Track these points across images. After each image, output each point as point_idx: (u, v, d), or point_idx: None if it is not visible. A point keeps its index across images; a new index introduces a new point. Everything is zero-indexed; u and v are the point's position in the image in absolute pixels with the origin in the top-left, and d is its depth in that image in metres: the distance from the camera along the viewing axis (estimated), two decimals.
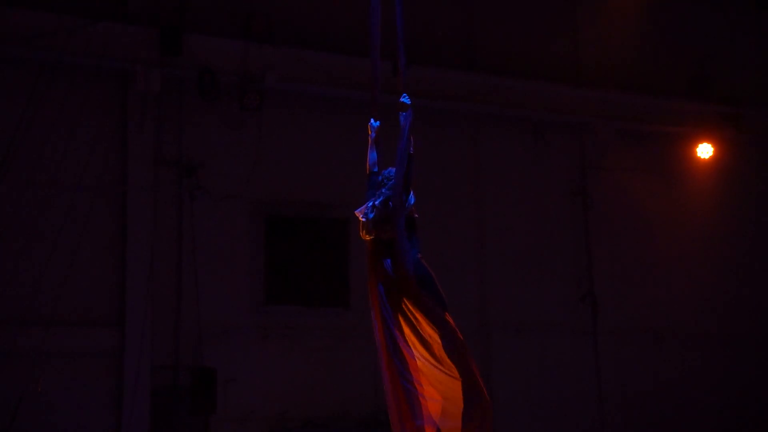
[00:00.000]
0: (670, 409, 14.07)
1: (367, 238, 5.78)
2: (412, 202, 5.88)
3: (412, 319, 5.50)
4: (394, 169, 5.97)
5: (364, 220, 5.78)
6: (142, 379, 11.25)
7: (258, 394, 11.92)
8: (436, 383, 5.45)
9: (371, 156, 6.23)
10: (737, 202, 14.96)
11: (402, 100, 6.04)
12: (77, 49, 10.96)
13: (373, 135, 6.27)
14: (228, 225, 12.02)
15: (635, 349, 14.04)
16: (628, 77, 14.36)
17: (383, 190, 5.90)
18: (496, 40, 13.68)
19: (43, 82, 10.76)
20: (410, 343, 5.49)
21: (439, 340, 5.46)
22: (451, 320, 5.55)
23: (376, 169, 6.17)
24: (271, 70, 11.88)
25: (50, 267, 10.83)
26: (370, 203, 5.84)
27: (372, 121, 6.24)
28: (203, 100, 11.67)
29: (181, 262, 11.69)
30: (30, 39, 10.78)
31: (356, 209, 5.86)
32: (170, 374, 11.54)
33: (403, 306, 5.53)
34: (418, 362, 5.47)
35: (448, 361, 5.44)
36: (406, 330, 5.50)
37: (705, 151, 14.39)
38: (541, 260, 13.73)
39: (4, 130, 10.77)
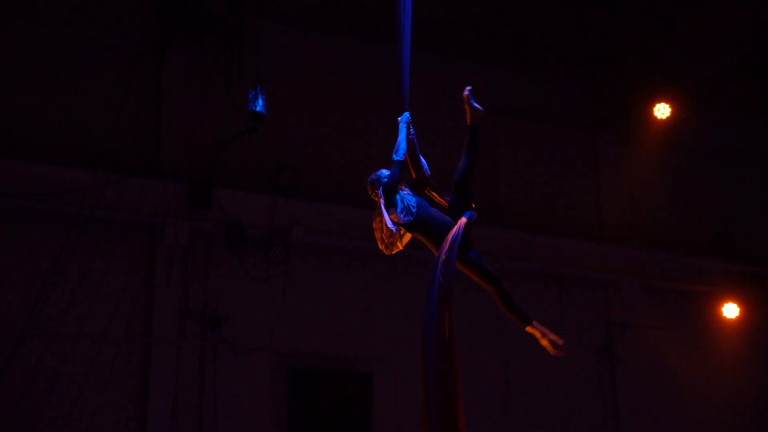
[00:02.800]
0: None
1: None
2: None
3: None
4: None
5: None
6: None
7: None
8: None
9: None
10: (764, 362, 14.77)
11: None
12: (108, 204, 11.24)
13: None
14: (250, 379, 11.95)
15: None
16: (652, 235, 14.45)
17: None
18: (521, 196, 13.85)
19: (73, 237, 11.00)
20: None
21: None
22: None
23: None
24: (297, 224, 12.06)
25: (73, 419, 10.82)
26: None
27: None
28: (230, 252, 11.84)
29: (202, 415, 11.59)
30: (62, 194, 11.04)
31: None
32: None
33: None
34: None
35: None
36: None
37: (731, 311, 14.33)
38: (566, 418, 13.50)
39: (33, 282, 10.93)
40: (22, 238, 11.25)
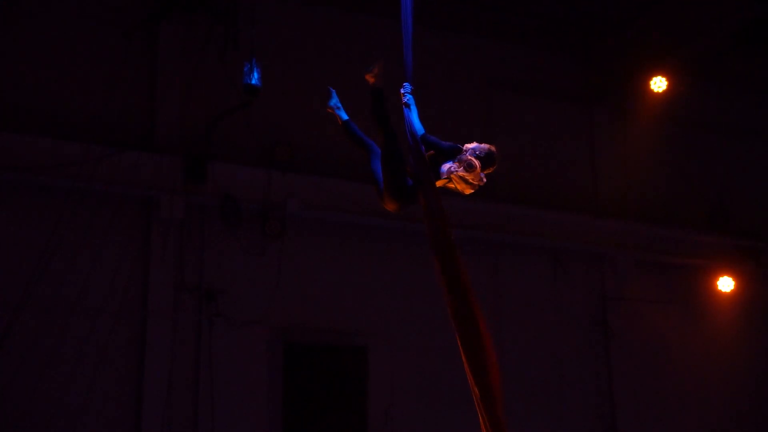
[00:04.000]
0: None
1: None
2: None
3: None
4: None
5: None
6: None
7: None
8: None
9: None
10: (759, 336, 14.83)
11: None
12: (103, 177, 11.22)
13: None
14: (246, 352, 11.98)
15: None
16: (647, 208, 14.46)
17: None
18: (515, 170, 13.84)
19: (68, 210, 10.99)
20: None
21: None
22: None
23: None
24: (292, 197, 12.06)
25: (69, 392, 10.87)
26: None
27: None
28: (225, 226, 11.84)
29: (198, 389, 11.62)
30: (56, 167, 11.02)
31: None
32: None
33: None
34: None
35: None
36: None
37: (726, 284, 14.37)
38: (561, 391, 13.57)
39: (28, 256, 10.93)
40: (16, 212, 11.24)
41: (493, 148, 6.41)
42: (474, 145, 6.41)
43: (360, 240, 12.67)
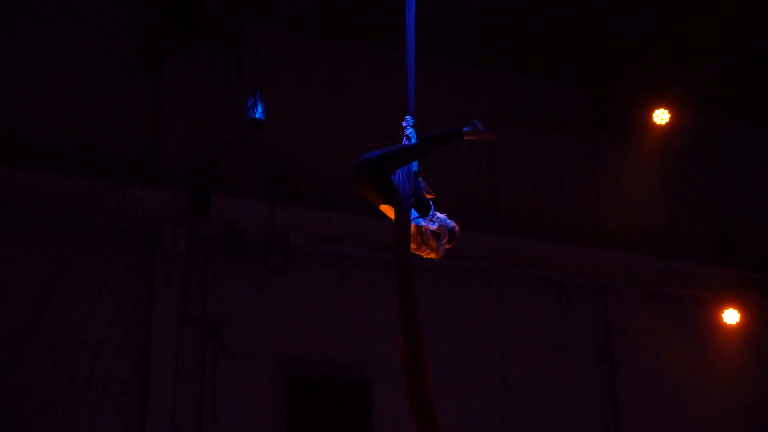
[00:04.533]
0: None
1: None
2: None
3: None
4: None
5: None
6: None
7: None
8: None
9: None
10: (765, 368, 14.76)
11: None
12: (107, 211, 11.26)
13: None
14: (250, 385, 11.93)
15: None
16: (652, 240, 14.44)
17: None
18: (520, 201, 13.85)
19: (71, 244, 11.00)
20: None
21: None
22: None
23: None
24: (296, 230, 12.05)
25: (72, 425, 10.85)
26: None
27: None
28: (229, 259, 11.83)
29: (201, 422, 11.56)
30: (60, 201, 11.03)
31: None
32: None
33: None
34: None
35: None
36: None
37: (731, 316, 14.31)
38: (567, 423, 13.48)
39: (31, 290, 10.92)
40: (21, 245, 11.24)
41: (457, 228, 6.35)
42: (444, 216, 6.35)
43: (364, 272, 12.65)
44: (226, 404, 11.66)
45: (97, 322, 11.24)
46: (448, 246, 6.30)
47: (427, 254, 6.24)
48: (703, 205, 15.10)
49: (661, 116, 13.64)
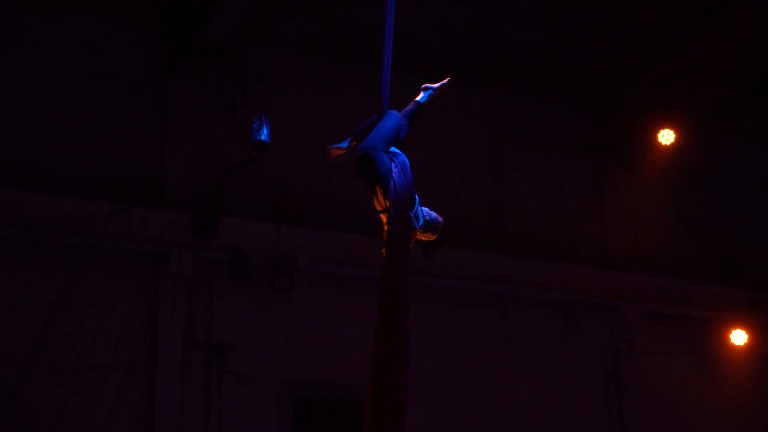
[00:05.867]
0: None
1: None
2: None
3: None
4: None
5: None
6: None
7: None
8: None
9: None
10: None
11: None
12: (112, 234, 11.28)
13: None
14: (256, 408, 11.90)
15: None
16: (657, 260, 14.42)
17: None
18: (525, 223, 13.86)
19: (77, 267, 11.02)
20: None
21: None
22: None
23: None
24: (301, 251, 12.06)
25: None
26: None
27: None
28: (234, 281, 11.84)
29: None
30: (66, 224, 11.07)
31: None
32: None
33: None
34: None
35: None
36: None
37: (739, 337, 14.26)
38: None
39: (37, 314, 10.93)
40: (25, 269, 11.26)
41: (441, 219, 6.38)
42: (427, 209, 6.36)
43: (369, 294, 12.50)
44: (231, 426, 11.63)
45: (102, 345, 11.25)
46: (432, 237, 6.35)
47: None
48: (709, 225, 15.08)
49: (667, 137, 13.64)
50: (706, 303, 14.37)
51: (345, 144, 6.85)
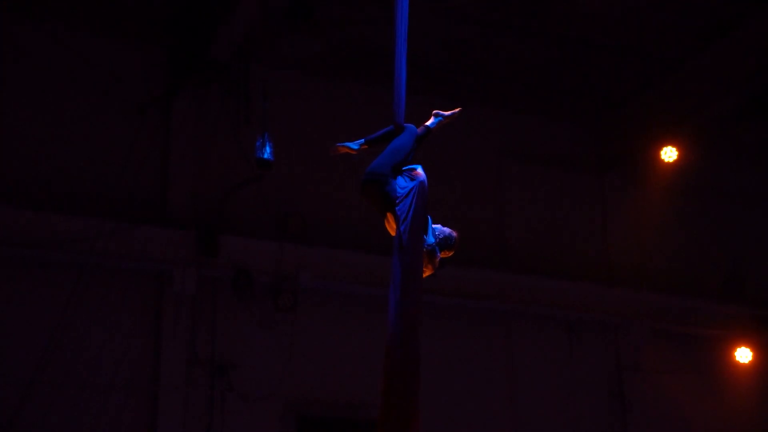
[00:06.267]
0: None
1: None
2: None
3: None
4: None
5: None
6: None
7: None
8: None
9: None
10: None
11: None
12: (116, 252, 11.29)
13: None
14: (259, 426, 11.88)
15: None
16: (661, 277, 14.39)
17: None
18: (528, 240, 13.84)
19: (80, 285, 11.02)
20: None
21: None
22: None
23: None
24: (304, 269, 12.05)
25: None
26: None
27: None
28: (238, 300, 11.83)
29: None
30: (69, 243, 11.07)
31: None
32: None
33: None
34: None
35: None
36: None
37: (744, 355, 14.21)
38: None
39: (40, 332, 10.94)
40: (29, 288, 11.27)
41: (455, 234, 6.26)
42: (439, 226, 6.27)
43: (373, 311, 12.56)
44: None
45: (106, 364, 11.24)
46: (449, 254, 6.22)
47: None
48: (712, 242, 15.06)
49: (669, 154, 13.63)
50: (711, 321, 14.33)
51: (356, 146, 6.69)
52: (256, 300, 11.96)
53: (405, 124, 6.34)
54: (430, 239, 6.14)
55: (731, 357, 14.26)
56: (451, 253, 6.28)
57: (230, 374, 11.71)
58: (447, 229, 6.26)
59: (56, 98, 11.86)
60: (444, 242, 6.21)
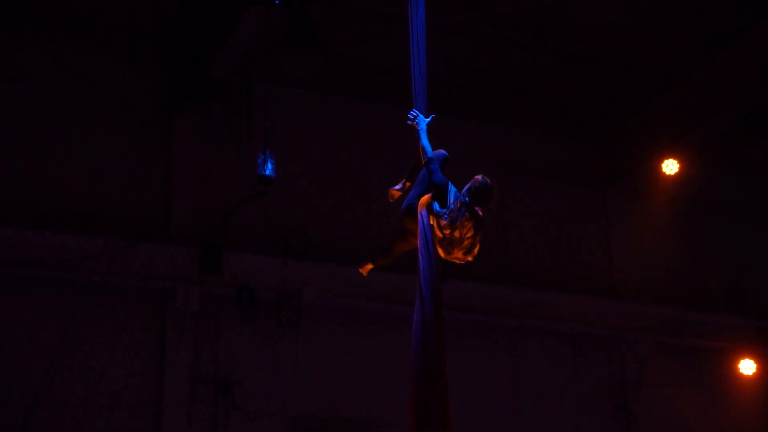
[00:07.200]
0: None
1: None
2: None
3: None
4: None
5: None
6: None
7: None
8: None
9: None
10: None
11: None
12: (118, 270, 11.29)
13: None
14: None
15: None
16: (664, 290, 14.38)
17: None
18: (531, 254, 13.84)
19: (83, 304, 11.02)
20: None
21: None
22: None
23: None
24: (308, 285, 12.05)
25: None
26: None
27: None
28: (241, 316, 11.82)
29: None
30: (71, 262, 11.08)
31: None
32: None
33: None
34: None
35: None
36: None
37: (747, 367, 14.20)
38: None
39: (43, 351, 10.92)
40: (31, 307, 11.26)
41: (480, 179, 6.07)
42: (464, 189, 6.15)
43: (377, 327, 12.61)
44: None
45: (109, 382, 11.22)
46: (489, 204, 5.97)
47: (461, 257, 5.95)
48: (716, 255, 15.06)
49: (671, 167, 13.66)
50: (714, 333, 14.32)
51: (399, 186, 6.98)
52: (259, 317, 11.96)
53: (438, 153, 6.32)
54: (452, 202, 5.97)
55: (735, 369, 14.25)
56: (491, 203, 6.05)
57: (234, 392, 11.69)
58: (468, 184, 6.09)
59: (58, 117, 11.88)
60: (477, 192, 6.00)
